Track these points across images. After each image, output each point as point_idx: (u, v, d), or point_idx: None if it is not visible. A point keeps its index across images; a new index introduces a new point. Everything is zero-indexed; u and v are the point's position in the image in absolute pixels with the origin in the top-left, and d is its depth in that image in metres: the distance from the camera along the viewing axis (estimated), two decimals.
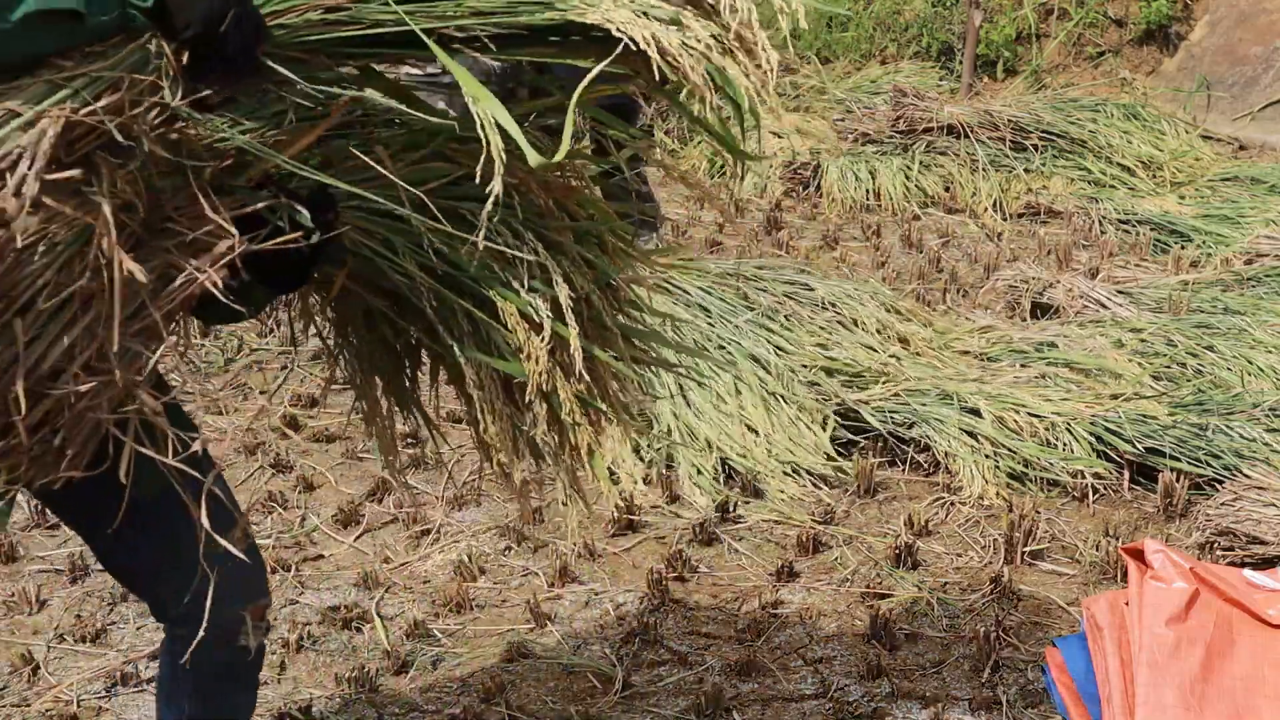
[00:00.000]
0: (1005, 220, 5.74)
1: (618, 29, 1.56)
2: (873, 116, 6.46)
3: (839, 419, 3.80)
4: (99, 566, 3.26)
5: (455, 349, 1.75)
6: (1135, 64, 7.64)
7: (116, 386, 1.50)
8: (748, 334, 4.00)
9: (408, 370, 1.97)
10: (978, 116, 6.24)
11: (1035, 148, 6.21)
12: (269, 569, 3.26)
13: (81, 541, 3.36)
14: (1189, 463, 3.56)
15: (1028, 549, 3.31)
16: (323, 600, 3.16)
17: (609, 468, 3.55)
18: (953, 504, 3.54)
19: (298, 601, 3.16)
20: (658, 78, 1.63)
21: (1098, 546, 3.32)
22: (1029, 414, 3.73)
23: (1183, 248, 5.31)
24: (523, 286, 1.68)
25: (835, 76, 7.20)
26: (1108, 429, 3.66)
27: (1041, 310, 4.69)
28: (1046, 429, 3.69)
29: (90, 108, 1.42)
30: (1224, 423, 3.67)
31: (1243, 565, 3.18)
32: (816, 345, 4.05)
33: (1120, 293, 4.72)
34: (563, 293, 1.69)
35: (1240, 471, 3.49)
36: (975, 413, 3.74)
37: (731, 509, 3.49)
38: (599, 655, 2.94)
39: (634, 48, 1.56)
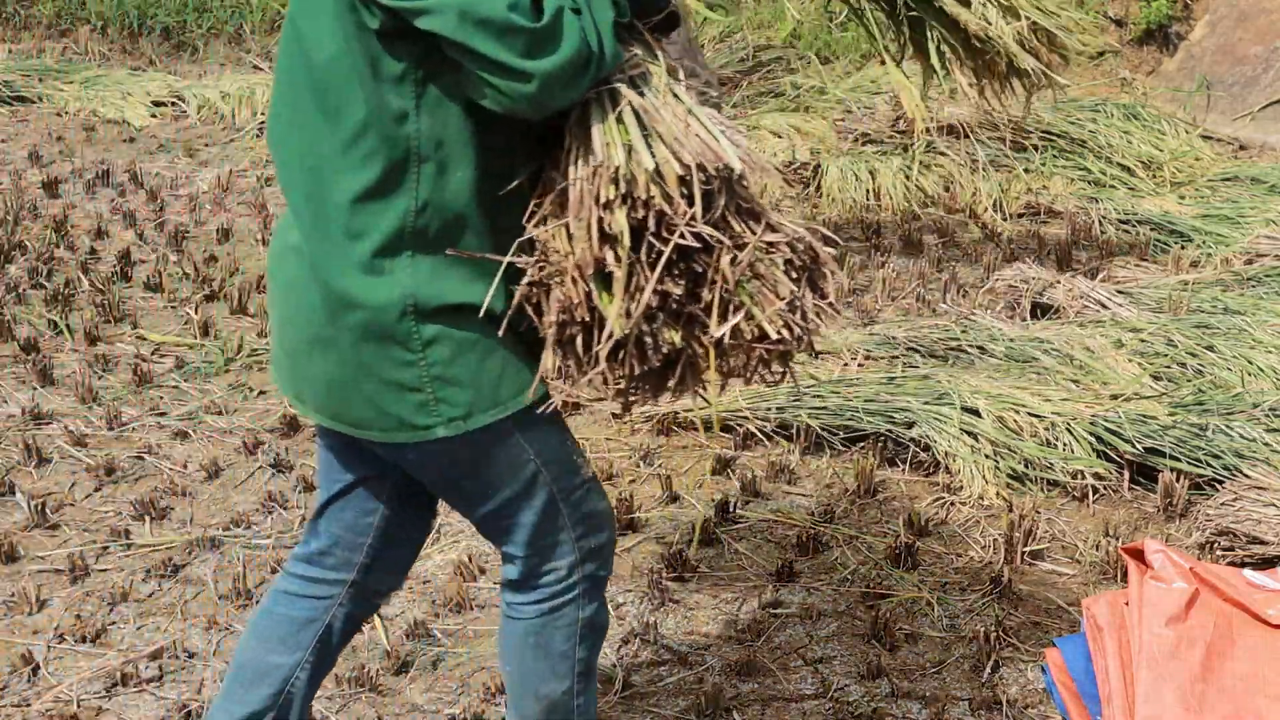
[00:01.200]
0: (1005, 220, 5.74)
1: None
2: (873, 116, 6.46)
3: None
4: (99, 566, 3.27)
5: None
6: (1135, 64, 7.64)
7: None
8: None
9: None
10: (978, 116, 6.24)
11: (1035, 148, 6.21)
12: (270, 569, 3.26)
13: (78, 544, 3.36)
14: (1189, 463, 3.56)
15: (1028, 549, 3.31)
16: None
17: None
18: (953, 504, 3.54)
19: None
20: None
21: (1098, 546, 3.32)
22: (1029, 414, 3.73)
23: (1183, 248, 5.31)
24: None
25: (835, 76, 7.20)
26: (1108, 429, 3.66)
27: (1041, 310, 4.69)
28: (1046, 429, 3.69)
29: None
30: (1224, 423, 3.67)
31: (1243, 565, 3.18)
32: None
33: (1120, 293, 4.71)
34: None
35: (1240, 471, 3.49)
36: (975, 413, 3.74)
37: (731, 509, 3.49)
38: (599, 655, 2.94)
39: None
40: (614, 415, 4.00)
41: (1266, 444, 3.58)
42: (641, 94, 1.86)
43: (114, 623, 3.08)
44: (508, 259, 1.90)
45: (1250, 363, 4.11)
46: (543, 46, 1.77)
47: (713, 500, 3.53)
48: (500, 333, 1.95)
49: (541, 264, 1.88)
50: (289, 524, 3.47)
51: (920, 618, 3.08)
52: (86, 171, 6.28)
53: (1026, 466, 3.61)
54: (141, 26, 8.61)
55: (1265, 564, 3.18)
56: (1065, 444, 3.65)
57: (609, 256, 1.80)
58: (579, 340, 1.88)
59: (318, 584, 2.27)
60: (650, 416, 3.93)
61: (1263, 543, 3.24)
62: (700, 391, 1.97)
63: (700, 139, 1.82)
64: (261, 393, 4.18)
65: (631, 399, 1.98)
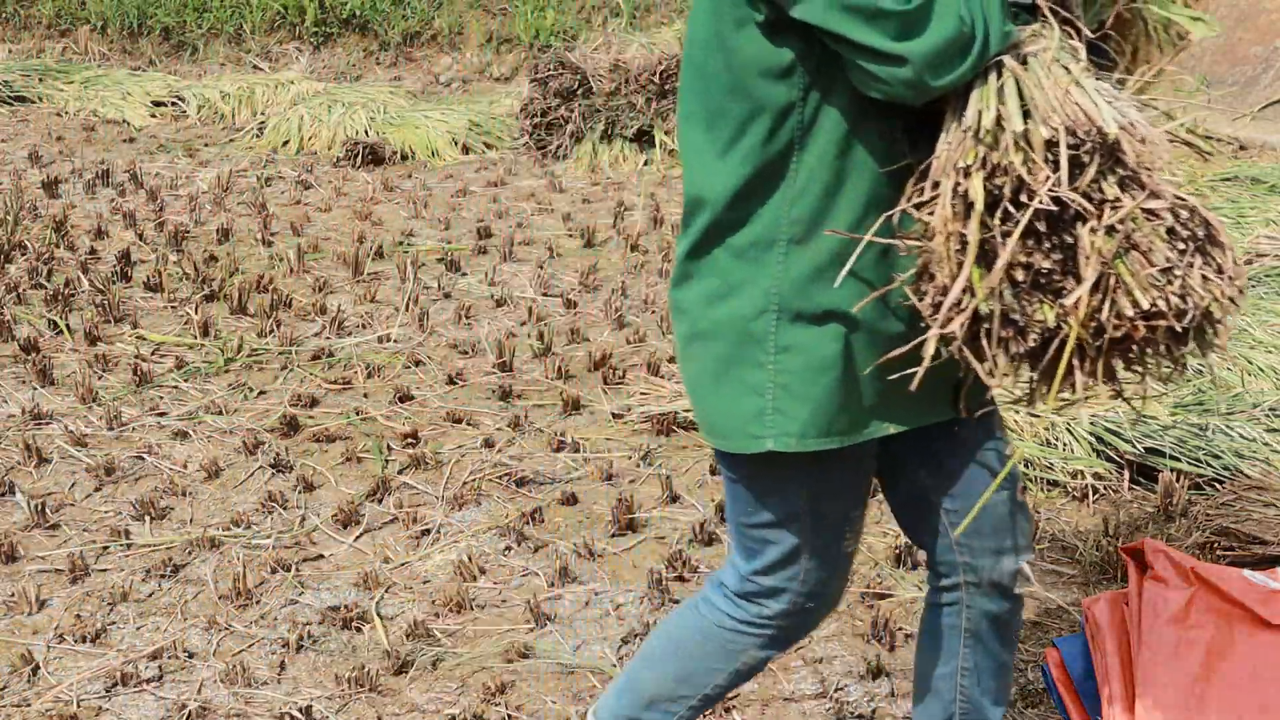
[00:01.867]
0: None
1: None
2: None
3: None
4: (99, 566, 3.27)
5: None
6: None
7: None
8: None
9: None
10: None
11: None
12: (270, 569, 3.26)
13: (78, 544, 3.36)
14: (1189, 463, 3.56)
15: None
16: (323, 600, 3.16)
17: None
18: None
19: (298, 601, 3.16)
20: None
21: (1098, 546, 3.32)
22: (1029, 414, 3.73)
23: None
24: None
25: None
26: (1108, 429, 3.66)
27: None
28: (1046, 429, 3.69)
29: None
30: (1224, 423, 3.67)
31: (1243, 565, 3.18)
32: None
33: None
34: None
35: (1240, 471, 3.49)
36: None
37: None
38: (599, 655, 2.94)
39: None
40: (614, 415, 4.00)
41: (1266, 444, 3.58)
42: (1025, 64, 1.80)
43: (114, 623, 3.08)
44: (882, 240, 1.85)
45: (1250, 363, 4.11)
46: (915, 28, 1.73)
47: (713, 500, 3.53)
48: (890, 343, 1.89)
49: (920, 246, 1.83)
50: (289, 524, 3.47)
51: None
52: (86, 171, 6.28)
53: (1026, 466, 3.61)
54: (141, 26, 8.61)
55: (1265, 564, 3.18)
56: (1065, 444, 3.65)
57: (968, 226, 1.74)
58: (958, 324, 1.80)
59: (936, 591, 2.21)
60: (650, 416, 3.93)
61: (1263, 543, 3.24)
62: (1110, 385, 1.84)
63: (1078, 105, 1.75)
64: (261, 393, 4.18)
65: (1031, 390, 1.88)
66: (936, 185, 1.81)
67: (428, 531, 3.43)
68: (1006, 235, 1.74)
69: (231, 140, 6.96)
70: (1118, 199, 1.74)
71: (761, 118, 1.86)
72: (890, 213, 1.87)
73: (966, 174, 1.76)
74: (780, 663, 2.91)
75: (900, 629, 3.01)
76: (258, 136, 6.97)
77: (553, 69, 6.68)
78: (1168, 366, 1.88)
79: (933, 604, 2.22)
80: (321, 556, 3.34)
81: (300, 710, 2.76)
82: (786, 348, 1.92)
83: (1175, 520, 3.48)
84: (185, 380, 4.24)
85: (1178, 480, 3.51)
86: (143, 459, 3.78)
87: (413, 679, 2.88)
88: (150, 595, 3.18)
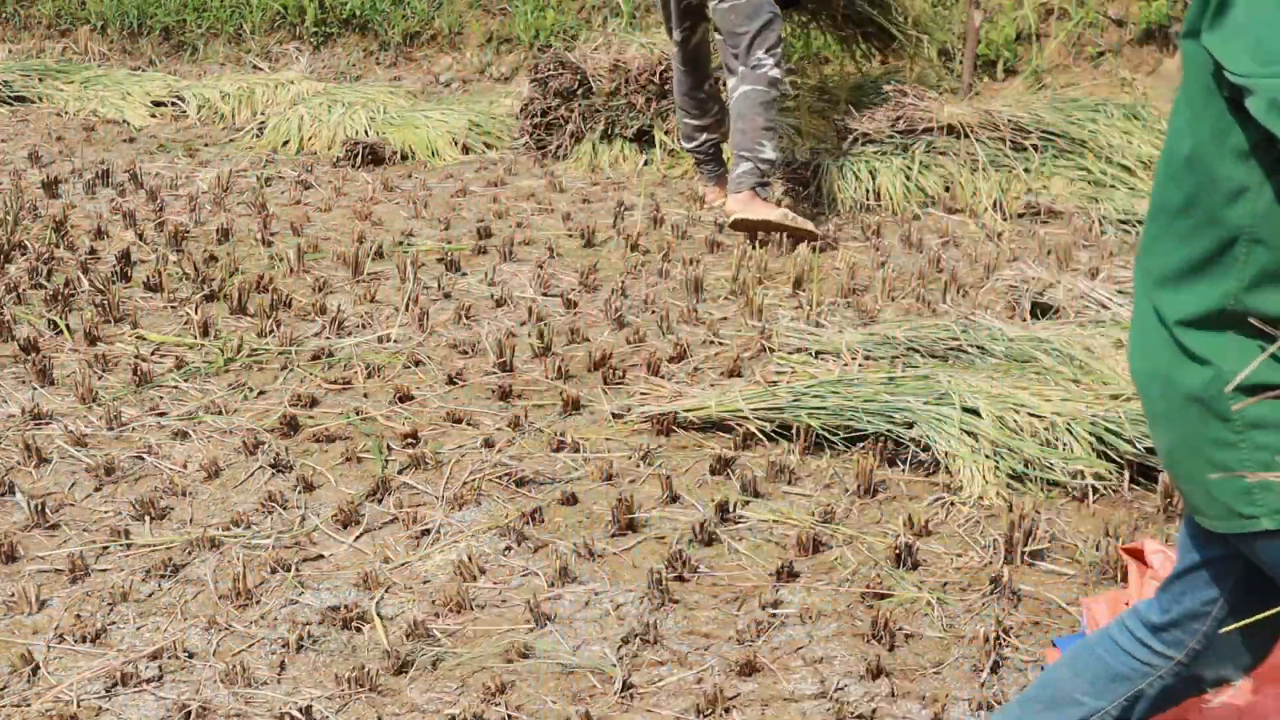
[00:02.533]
0: (1005, 220, 5.74)
1: None
2: (873, 116, 6.46)
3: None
4: (99, 566, 3.27)
5: None
6: (1135, 64, 7.64)
7: None
8: None
9: None
10: (978, 116, 6.23)
11: (1035, 148, 6.20)
12: (270, 569, 3.26)
13: (78, 544, 3.36)
14: None
15: (1028, 549, 3.31)
16: (323, 600, 3.16)
17: None
18: (953, 504, 3.54)
19: (298, 601, 3.16)
20: None
21: (1098, 546, 3.32)
22: (1029, 414, 3.73)
23: None
24: None
25: (835, 76, 7.19)
26: (1108, 429, 3.66)
27: (1042, 310, 4.68)
28: (1046, 429, 3.68)
29: None
30: None
31: None
32: None
33: (1120, 293, 4.71)
34: None
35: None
36: (975, 412, 3.74)
37: (731, 509, 3.49)
38: (599, 655, 2.94)
39: None
40: (614, 415, 4.00)
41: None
42: None
43: (114, 623, 3.08)
44: None
45: None
46: None
47: (713, 500, 3.53)
48: None
49: None
50: (289, 524, 3.47)
51: (920, 618, 3.08)
52: (86, 171, 6.28)
53: (1026, 466, 3.61)
54: (141, 26, 8.61)
55: None
56: (1065, 444, 3.65)
57: None
58: None
59: (1145, 649, 2.15)
60: (650, 416, 3.93)
61: None
62: None
63: None
64: (261, 393, 4.18)
65: None
66: None
67: (428, 531, 3.43)
68: None
69: (231, 140, 6.96)
70: None
71: (1209, 196, 1.80)
72: None
73: None
74: (780, 662, 2.91)
75: (900, 629, 3.01)
76: (258, 136, 6.97)
77: (553, 69, 6.68)
78: None
79: (1123, 648, 2.17)
80: (321, 556, 3.34)
81: (300, 710, 2.76)
82: (1256, 423, 1.84)
83: (1175, 520, 3.48)
84: (185, 380, 4.24)
85: None
86: (143, 459, 3.78)
87: (413, 679, 2.88)
88: (150, 595, 3.18)
